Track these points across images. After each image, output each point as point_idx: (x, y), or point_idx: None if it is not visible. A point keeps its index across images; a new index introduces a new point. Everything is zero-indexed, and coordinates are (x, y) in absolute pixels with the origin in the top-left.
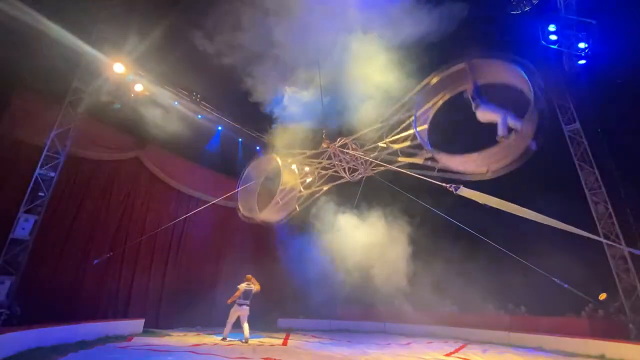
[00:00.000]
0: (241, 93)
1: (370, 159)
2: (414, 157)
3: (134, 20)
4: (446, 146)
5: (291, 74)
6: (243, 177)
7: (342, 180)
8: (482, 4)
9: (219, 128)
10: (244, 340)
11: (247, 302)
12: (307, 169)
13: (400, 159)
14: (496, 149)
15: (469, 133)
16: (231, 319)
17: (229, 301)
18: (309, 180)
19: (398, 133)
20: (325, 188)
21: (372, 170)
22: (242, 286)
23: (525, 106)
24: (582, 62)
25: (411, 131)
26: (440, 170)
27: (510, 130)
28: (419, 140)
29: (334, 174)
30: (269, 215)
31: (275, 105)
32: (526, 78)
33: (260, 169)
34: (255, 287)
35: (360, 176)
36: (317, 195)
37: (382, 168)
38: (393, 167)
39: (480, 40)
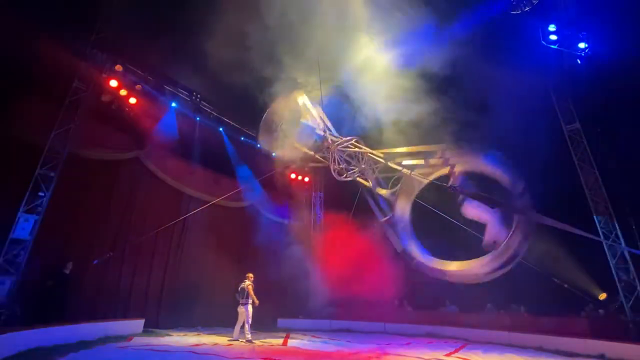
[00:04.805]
0: (242, 93)
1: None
2: None
3: (134, 19)
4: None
5: (293, 75)
6: (265, 117)
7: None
8: (482, 4)
9: (220, 129)
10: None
11: (242, 300)
12: None
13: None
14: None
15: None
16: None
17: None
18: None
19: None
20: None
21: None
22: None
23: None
24: (582, 60)
25: None
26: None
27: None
28: None
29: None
30: (285, 151)
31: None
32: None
33: (283, 108)
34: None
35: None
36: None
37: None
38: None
39: (480, 40)
